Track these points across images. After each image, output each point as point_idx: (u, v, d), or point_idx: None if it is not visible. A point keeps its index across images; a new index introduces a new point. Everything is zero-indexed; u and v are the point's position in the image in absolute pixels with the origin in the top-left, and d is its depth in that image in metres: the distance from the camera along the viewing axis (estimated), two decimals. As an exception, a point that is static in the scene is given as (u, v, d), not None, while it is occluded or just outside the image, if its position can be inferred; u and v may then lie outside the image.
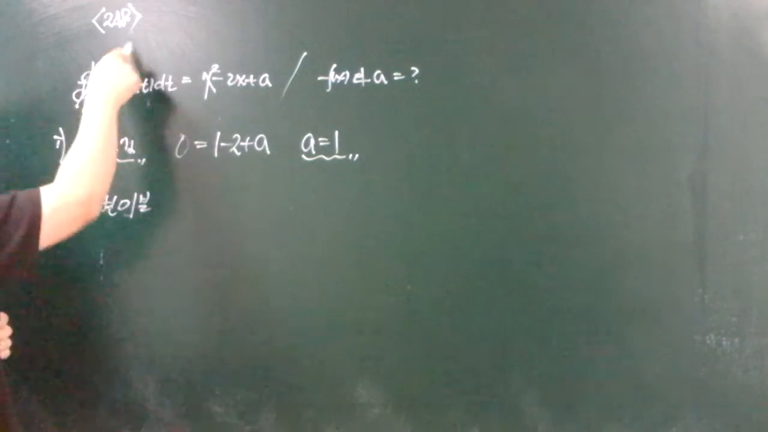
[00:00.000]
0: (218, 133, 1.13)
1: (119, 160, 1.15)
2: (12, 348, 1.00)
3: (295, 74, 1.10)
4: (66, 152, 1.18)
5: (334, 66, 1.09)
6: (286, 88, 1.10)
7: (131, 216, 1.16)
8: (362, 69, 1.08)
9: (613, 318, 1.03)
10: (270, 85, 1.11)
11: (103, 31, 1.17)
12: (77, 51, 1.18)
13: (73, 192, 0.94)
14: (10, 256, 0.87)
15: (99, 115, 1.03)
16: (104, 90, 1.05)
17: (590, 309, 1.04)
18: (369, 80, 1.07)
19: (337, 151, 1.09)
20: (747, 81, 0.98)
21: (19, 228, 0.87)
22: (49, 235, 0.90)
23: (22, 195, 0.91)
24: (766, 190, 0.99)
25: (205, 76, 1.13)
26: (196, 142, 1.14)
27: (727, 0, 0.98)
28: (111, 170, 1.03)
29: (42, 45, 1.19)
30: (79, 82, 1.18)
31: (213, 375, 1.17)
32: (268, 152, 1.12)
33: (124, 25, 1.16)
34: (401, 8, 1.06)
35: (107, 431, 1.22)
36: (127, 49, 1.15)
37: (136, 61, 1.15)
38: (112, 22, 1.17)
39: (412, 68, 1.06)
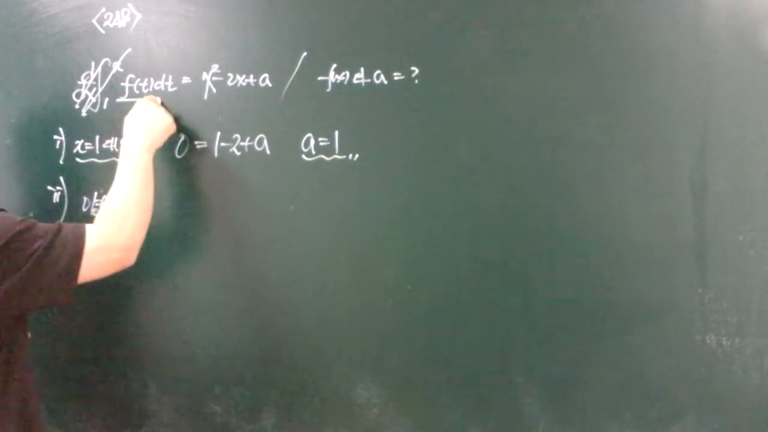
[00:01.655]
0: (218, 133, 1.13)
1: (118, 160, 1.16)
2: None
3: (295, 74, 1.10)
4: (66, 152, 1.19)
5: (334, 66, 1.09)
6: (286, 88, 1.10)
7: (131, 216, 1.16)
8: (362, 69, 1.08)
9: (613, 318, 1.03)
10: (270, 85, 1.11)
11: (103, 31, 1.17)
12: (77, 51, 1.18)
13: (116, 237, 0.95)
14: (49, 284, 0.88)
15: (136, 161, 1.03)
16: (141, 135, 1.06)
17: (590, 309, 1.04)
18: (369, 80, 1.07)
19: (337, 151, 1.09)
20: (747, 80, 0.98)
21: (61, 259, 0.89)
22: (85, 272, 0.91)
23: (67, 227, 0.92)
24: (766, 190, 0.99)
25: (205, 76, 1.13)
26: (196, 142, 1.14)
27: (727, 0, 0.98)
28: (148, 217, 1.03)
29: (42, 45, 1.20)
30: (78, 82, 1.18)
31: (213, 375, 1.17)
32: (268, 152, 1.12)
33: (124, 25, 1.16)
34: (401, 8, 1.06)
35: (107, 431, 1.22)
36: (157, 98, 1.14)
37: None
38: (112, 22, 1.17)
39: (412, 68, 1.06)
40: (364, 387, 1.11)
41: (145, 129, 1.07)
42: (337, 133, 1.09)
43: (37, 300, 0.90)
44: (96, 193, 1.18)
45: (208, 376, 1.17)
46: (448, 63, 1.05)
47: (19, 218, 0.90)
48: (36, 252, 0.87)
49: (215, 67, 1.13)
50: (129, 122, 1.08)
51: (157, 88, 1.15)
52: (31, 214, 1.20)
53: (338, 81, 1.09)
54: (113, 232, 0.95)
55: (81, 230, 0.92)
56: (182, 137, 1.14)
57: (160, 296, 1.18)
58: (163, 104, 1.14)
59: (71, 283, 0.90)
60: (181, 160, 1.14)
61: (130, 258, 0.98)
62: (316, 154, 1.10)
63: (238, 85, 1.12)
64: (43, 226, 0.91)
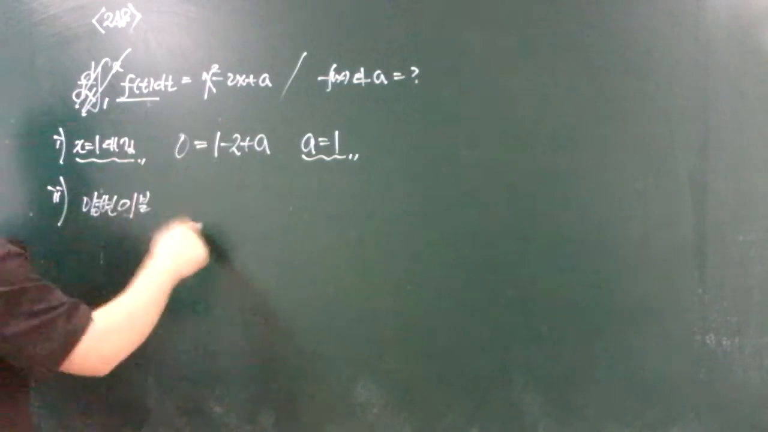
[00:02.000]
0: (218, 133, 1.13)
1: (118, 160, 1.16)
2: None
3: (295, 74, 1.10)
4: (66, 152, 1.19)
5: (334, 66, 1.09)
6: (286, 88, 1.10)
7: (131, 216, 1.16)
8: (362, 69, 1.08)
9: (613, 318, 1.03)
10: (270, 85, 1.11)
11: (103, 31, 1.17)
12: (77, 51, 1.18)
13: (101, 349, 0.91)
14: (41, 350, 0.85)
15: (156, 283, 1.01)
16: (170, 260, 1.04)
17: (590, 309, 1.04)
18: (369, 80, 1.08)
19: (337, 151, 1.09)
20: (747, 81, 0.98)
21: (60, 330, 0.86)
22: (73, 357, 0.88)
23: (83, 306, 0.90)
24: (766, 190, 0.99)
25: (205, 76, 1.13)
26: (196, 142, 1.14)
27: (727, 0, 0.98)
28: (145, 334, 0.98)
29: (42, 45, 1.20)
30: (79, 82, 1.18)
31: (213, 375, 1.17)
32: (268, 152, 1.12)
33: (124, 25, 1.16)
34: (401, 8, 1.06)
35: (107, 431, 1.22)
36: (198, 225, 1.14)
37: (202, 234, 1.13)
38: (112, 22, 1.17)
39: (412, 68, 1.06)
40: (364, 387, 1.11)
41: (177, 256, 1.06)
42: (337, 133, 1.09)
43: (26, 356, 0.86)
44: (96, 193, 1.18)
45: (208, 376, 1.17)
46: (448, 63, 1.05)
47: (37, 277, 0.87)
48: (45, 312, 0.85)
49: (215, 67, 1.13)
50: (163, 244, 1.06)
51: (157, 88, 1.15)
52: (31, 214, 1.20)
53: (338, 81, 1.09)
54: (101, 342, 0.90)
55: (89, 315, 0.89)
56: (182, 137, 1.14)
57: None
58: (201, 229, 1.13)
59: (61, 358, 0.87)
60: (181, 160, 1.14)
61: (105, 370, 0.93)
62: (316, 154, 1.10)
63: (238, 85, 1.12)
64: (58, 295, 0.88)
